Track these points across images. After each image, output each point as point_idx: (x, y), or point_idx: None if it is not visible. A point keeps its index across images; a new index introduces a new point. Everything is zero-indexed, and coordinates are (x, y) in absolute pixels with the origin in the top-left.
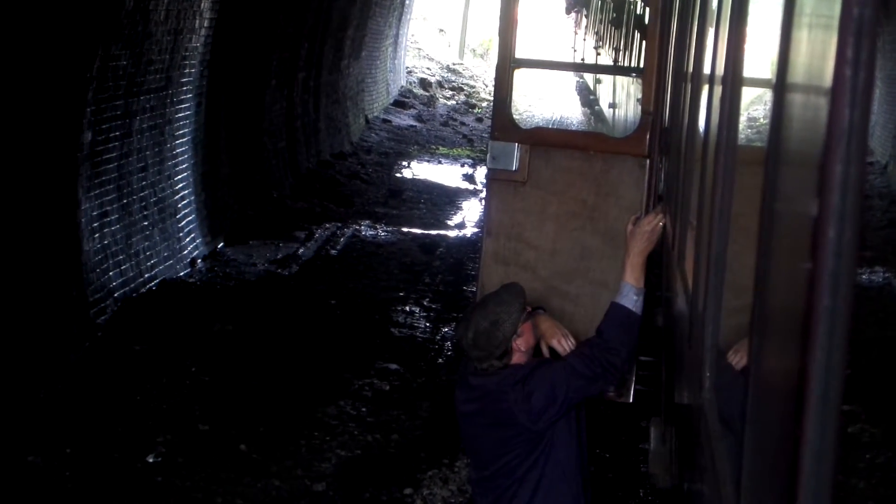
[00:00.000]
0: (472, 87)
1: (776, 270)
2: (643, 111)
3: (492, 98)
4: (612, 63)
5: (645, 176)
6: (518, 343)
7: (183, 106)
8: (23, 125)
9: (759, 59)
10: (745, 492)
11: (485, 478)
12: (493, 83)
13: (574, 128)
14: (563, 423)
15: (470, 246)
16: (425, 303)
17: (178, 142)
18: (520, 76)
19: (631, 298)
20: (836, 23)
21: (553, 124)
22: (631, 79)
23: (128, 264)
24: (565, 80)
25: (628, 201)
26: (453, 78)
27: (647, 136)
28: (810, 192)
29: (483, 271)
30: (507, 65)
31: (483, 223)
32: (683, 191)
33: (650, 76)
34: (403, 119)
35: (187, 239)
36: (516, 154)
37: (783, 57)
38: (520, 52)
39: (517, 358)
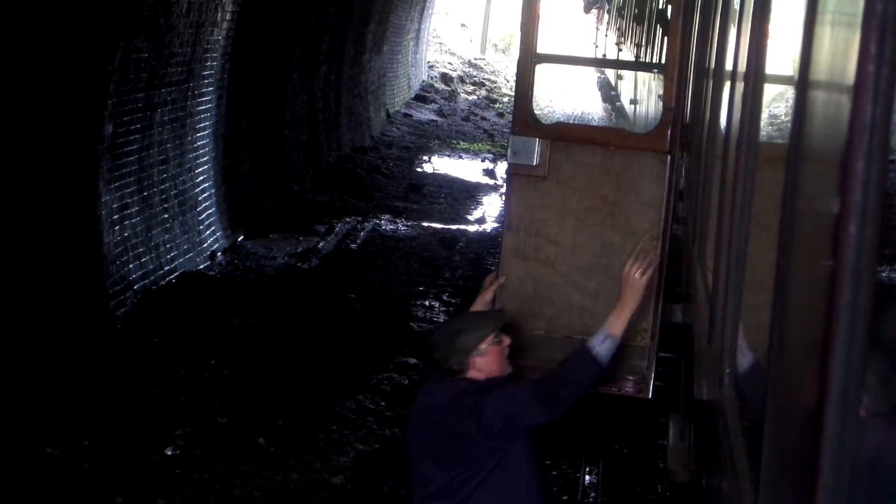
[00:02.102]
0: (494, 82)
1: (797, 267)
2: (665, 107)
3: (513, 93)
4: (633, 59)
5: (666, 172)
6: (478, 361)
7: (204, 99)
8: (45, 117)
9: (782, 56)
10: (764, 488)
11: (429, 495)
12: (515, 78)
13: (595, 123)
14: (518, 448)
15: (490, 241)
16: (445, 297)
17: (198, 135)
18: (541, 71)
19: (605, 347)
20: (859, 19)
21: (574, 120)
22: (652, 75)
23: (148, 257)
24: (587, 76)
25: (649, 197)
26: (475, 73)
27: (669, 133)
28: (832, 189)
29: (503, 265)
30: (529, 60)
31: (503, 218)
32: (704, 187)
33: (672, 72)
34: (424, 114)
35: (207, 232)
36: (537, 149)
37: (805, 53)
38: (541, 48)
39: (473, 376)
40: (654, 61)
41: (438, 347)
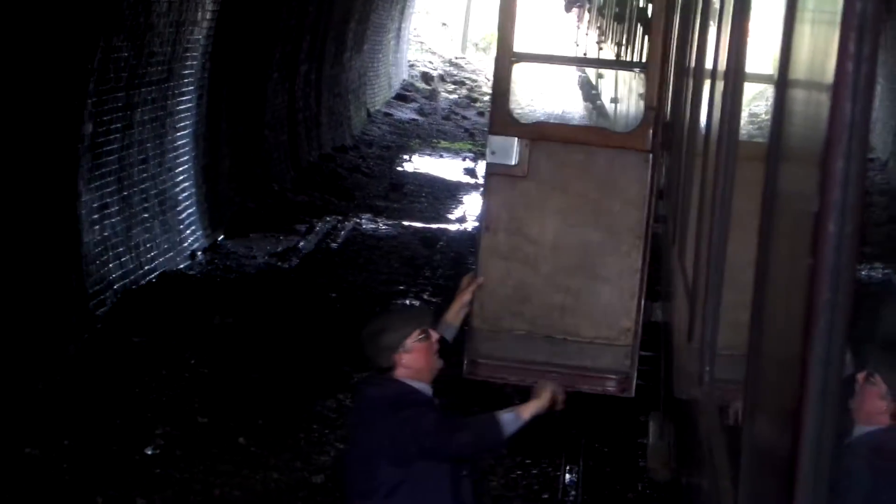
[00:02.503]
0: (475, 81)
1: (777, 265)
2: (646, 106)
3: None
4: (614, 58)
5: (648, 171)
6: (405, 358)
7: (184, 98)
8: (24, 116)
9: (762, 54)
10: (744, 486)
11: (356, 493)
12: (493, 77)
13: (576, 122)
14: (436, 471)
15: (470, 240)
16: (426, 296)
17: (179, 134)
18: (522, 70)
19: (512, 424)
20: (838, 18)
21: (555, 118)
22: (633, 73)
23: (128, 256)
24: (567, 75)
25: (631, 196)
26: (455, 72)
27: (651, 132)
28: (811, 188)
29: (482, 266)
30: (507, 59)
31: (481, 218)
32: (684, 185)
33: (654, 71)
34: (405, 112)
35: (187, 231)
36: (516, 148)
37: (785, 52)
38: (520, 47)
39: (403, 373)
40: (634, 60)
41: (366, 346)
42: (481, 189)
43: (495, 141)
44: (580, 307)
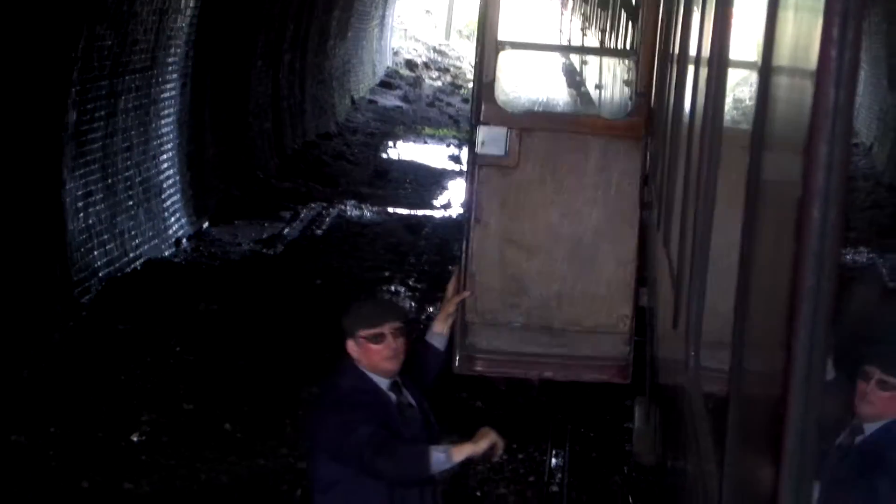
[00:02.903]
0: (459, 67)
1: (761, 251)
2: (638, 93)
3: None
4: (598, 44)
5: (640, 158)
6: (352, 347)
7: (168, 86)
8: (8, 105)
9: (745, 40)
10: (729, 469)
11: (310, 485)
12: (475, 66)
13: (560, 109)
14: (369, 483)
15: (455, 226)
16: (411, 282)
17: (163, 122)
18: (504, 57)
19: (441, 464)
20: (821, 4)
21: (539, 105)
22: (617, 60)
23: (112, 244)
24: (551, 61)
25: (625, 184)
26: (440, 59)
27: (643, 119)
28: (795, 173)
29: (474, 260)
30: (493, 47)
31: (469, 211)
32: (669, 171)
33: (645, 57)
34: (389, 100)
35: (172, 219)
36: (506, 139)
37: (769, 37)
38: (503, 34)
39: (358, 361)
40: (619, 46)
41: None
42: (467, 179)
43: (485, 131)
44: (577, 296)
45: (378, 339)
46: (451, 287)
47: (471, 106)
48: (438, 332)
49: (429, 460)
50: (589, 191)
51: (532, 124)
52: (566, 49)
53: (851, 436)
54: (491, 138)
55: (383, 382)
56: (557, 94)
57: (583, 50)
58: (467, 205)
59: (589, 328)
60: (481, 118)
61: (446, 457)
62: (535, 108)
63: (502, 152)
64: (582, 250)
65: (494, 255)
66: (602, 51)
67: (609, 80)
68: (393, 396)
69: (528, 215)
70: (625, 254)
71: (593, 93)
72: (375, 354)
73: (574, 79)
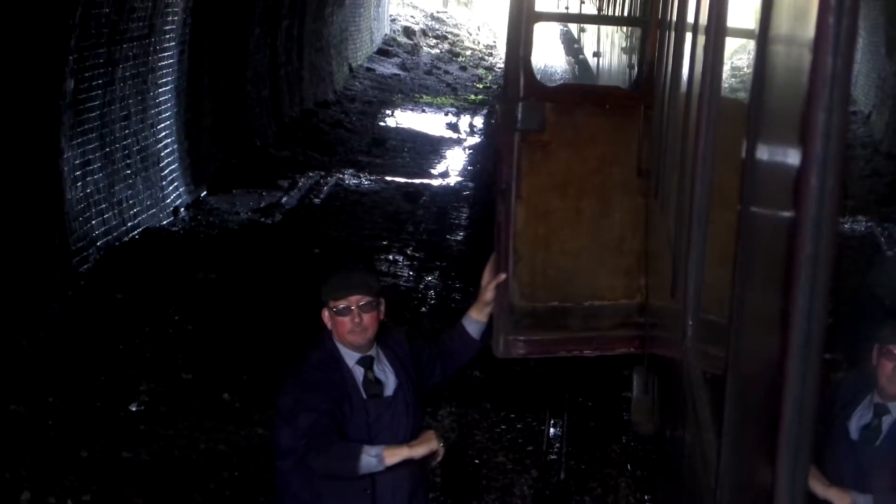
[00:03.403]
0: (457, 35)
1: (759, 220)
2: (648, 60)
3: (476, 48)
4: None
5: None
6: (325, 317)
7: (166, 54)
8: (4, 74)
9: (743, 8)
10: (727, 438)
11: None
12: (508, 40)
13: (559, 77)
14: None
15: (453, 195)
16: (409, 251)
17: (161, 90)
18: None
19: (372, 466)
20: None
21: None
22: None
23: (110, 213)
24: (549, 29)
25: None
26: (437, 26)
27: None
28: (793, 141)
29: (519, 239)
30: (530, 18)
31: (509, 188)
32: (667, 140)
33: (655, 25)
34: (387, 68)
35: (170, 188)
36: (543, 113)
37: (766, 5)
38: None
39: (329, 332)
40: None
41: None
42: (464, 144)
43: (525, 107)
44: (602, 269)
45: (343, 311)
46: (487, 272)
47: (504, 80)
48: (476, 319)
49: (357, 461)
50: (611, 161)
51: (565, 97)
52: (597, 20)
53: (877, 417)
54: (528, 112)
55: (352, 356)
56: (556, 62)
57: (603, 20)
58: (507, 182)
59: (613, 300)
60: (521, 93)
61: (378, 460)
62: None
63: (540, 126)
64: (606, 221)
65: (536, 232)
66: (620, 20)
67: (607, 47)
68: (360, 372)
69: (561, 189)
70: (640, 222)
71: (591, 60)
72: (341, 326)
73: (572, 46)
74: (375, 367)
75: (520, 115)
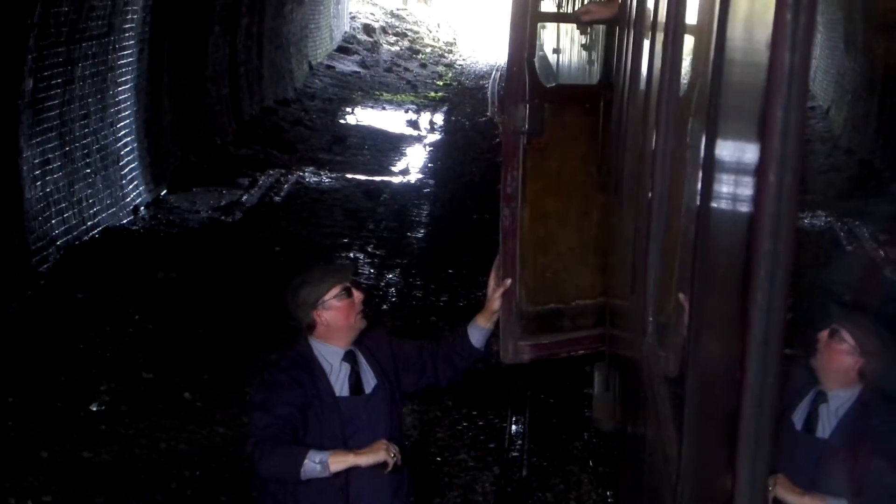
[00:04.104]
0: (416, 32)
1: (718, 215)
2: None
3: (436, 44)
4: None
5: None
6: (325, 315)
7: (125, 53)
8: None
9: (701, 4)
10: (688, 435)
11: None
12: (510, 41)
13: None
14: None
15: (414, 192)
16: (369, 249)
17: (120, 89)
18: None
19: (316, 472)
20: None
21: (497, 70)
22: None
23: (70, 212)
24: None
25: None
26: (397, 24)
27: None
28: (752, 137)
29: (525, 245)
30: (535, 19)
31: (515, 193)
32: (626, 135)
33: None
34: (347, 65)
35: (130, 186)
36: (544, 115)
37: (724, 1)
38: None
39: (322, 332)
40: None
41: (287, 302)
42: (424, 141)
43: (530, 109)
44: (587, 268)
45: (344, 295)
46: (492, 279)
47: (500, 83)
48: (482, 327)
49: (299, 467)
50: (590, 160)
51: (558, 98)
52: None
53: (815, 404)
54: (533, 115)
55: (336, 353)
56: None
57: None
58: (513, 185)
59: (594, 299)
60: (527, 95)
61: (322, 466)
62: (499, 73)
63: (542, 128)
64: (586, 220)
65: (537, 234)
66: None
67: (567, 44)
68: (340, 370)
69: (555, 191)
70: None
71: (551, 57)
72: (347, 313)
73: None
74: (359, 362)
75: (527, 118)
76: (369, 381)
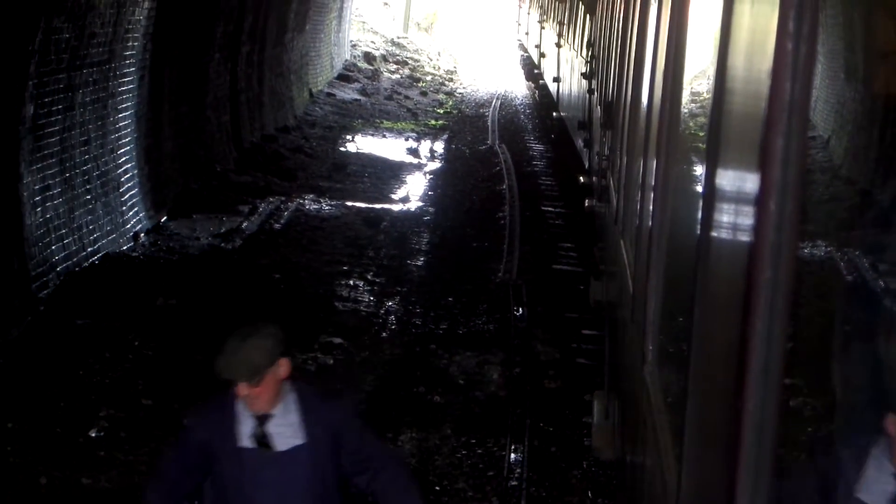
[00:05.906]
0: (417, 60)
1: (718, 244)
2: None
3: (436, 72)
4: (556, 37)
5: None
6: (282, 368)
7: (126, 79)
8: None
9: (702, 33)
10: (687, 464)
11: None
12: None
13: (518, 103)
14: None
15: (414, 220)
16: (369, 276)
17: (121, 115)
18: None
19: None
20: None
21: (498, 98)
22: (574, 53)
23: (70, 238)
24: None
25: None
26: (398, 52)
27: None
28: (753, 166)
29: None
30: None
31: None
32: (627, 165)
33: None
34: (347, 93)
35: (130, 213)
36: None
37: (725, 31)
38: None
39: (270, 381)
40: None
41: (243, 349)
42: (424, 169)
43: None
44: None
45: (232, 384)
46: None
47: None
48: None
49: None
50: None
51: None
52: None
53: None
54: None
55: (248, 419)
56: (516, 87)
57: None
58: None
59: None
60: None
61: None
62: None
63: None
64: None
65: None
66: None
67: (567, 72)
68: (251, 425)
69: None
70: None
71: (551, 86)
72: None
73: (532, 72)
74: (271, 423)
75: None
76: (287, 439)
